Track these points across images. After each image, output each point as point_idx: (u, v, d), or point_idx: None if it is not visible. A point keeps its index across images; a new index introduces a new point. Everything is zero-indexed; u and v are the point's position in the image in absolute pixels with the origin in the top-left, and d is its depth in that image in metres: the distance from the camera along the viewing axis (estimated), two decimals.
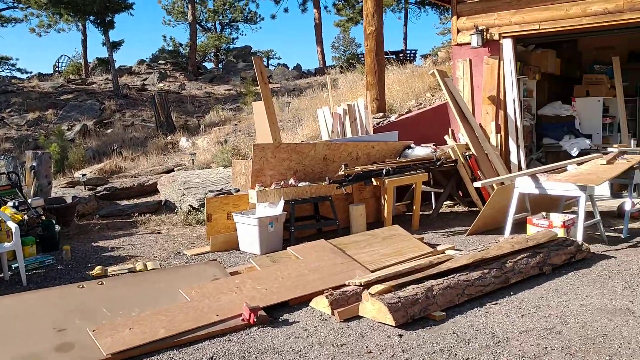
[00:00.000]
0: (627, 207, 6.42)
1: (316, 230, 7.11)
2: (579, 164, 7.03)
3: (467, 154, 8.05)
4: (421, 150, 7.90)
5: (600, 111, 10.02)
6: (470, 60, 9.07)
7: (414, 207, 7.35)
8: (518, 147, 8.69)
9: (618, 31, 8.23)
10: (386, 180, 7.01)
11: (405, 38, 32.35)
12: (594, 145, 9.35)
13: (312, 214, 7.21)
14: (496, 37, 8.79)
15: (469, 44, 8.91)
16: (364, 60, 13.49)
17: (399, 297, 4.00)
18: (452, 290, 4.27)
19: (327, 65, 25.54)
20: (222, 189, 8.54)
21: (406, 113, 9.70)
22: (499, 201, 6.72)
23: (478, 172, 7.96)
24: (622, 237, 6.29)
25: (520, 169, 8.61)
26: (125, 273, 5.64)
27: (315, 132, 10.17)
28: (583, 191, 5.77)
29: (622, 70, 11.75)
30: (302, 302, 4.52)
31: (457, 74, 9.20)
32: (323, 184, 6.80)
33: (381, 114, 9.54)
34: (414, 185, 7.47)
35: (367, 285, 4.37)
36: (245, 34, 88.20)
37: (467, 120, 8.37)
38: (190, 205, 8.40)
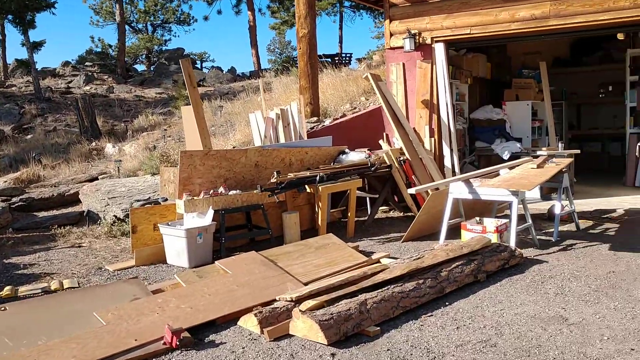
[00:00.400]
0: (557, 210, 6.50)
1: (248, 240, 6.83)
2: (511, 168, 7.08)
3: (401, 158, 7.98)
4: (355, 156, 7.76)
5: (529, 115, 10.24)
6: (403, 64, 9.03)
7: (349, 214, 7.19)
8: (452, 151, 8.72)
9: (545, 37, 8.40)
10: (320, 187, 6.81)
11: (340, 42, 32.38)
12: (524, 148, 9.52)
13: (244, 223, 6.92)
14: (428, 41, 8.79)
15: (402, 47, 8.87)
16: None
17: (331, 314, 3.79)
18: (386, 303, 4.10)
19: (262, 68, 25.22)
20: (149, 198, 8.11)
21: (341, 117, 9.57)
22: (434, 206, 6.66)
23: (412, 176, 7.91)
24: (553, 240, 6.36)
25: (454, 172, 8.64)
26: (38, 293, 5.17)
27: (248, 138, 9.88)
28: (515, 196, 5.77)
29: (549, 75, 12.12)
30: (231, 319, 4.24)
31: (391, 78, 9.14)
32: (255, 192, 6.53)
33: (315, 119, 9.36)
34: (348, 192, 7.32)
35: (299, 300, 4.14)
36: (179, 36, 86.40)
37: (401, 124, 8.31)
38: (115, 216, 7.92)
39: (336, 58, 20.91)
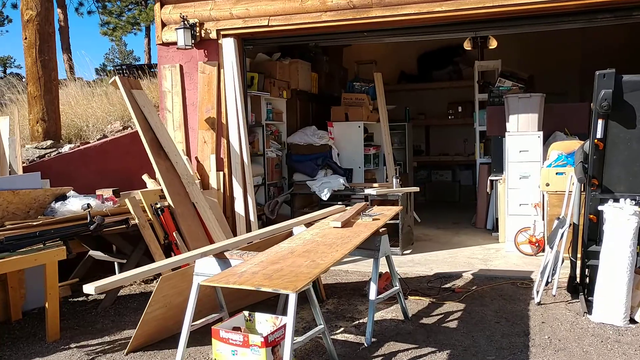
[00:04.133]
0: (372, 295, 4.10)
1: None
2: (309, 223, 4.63)
3: (158, 205, 5.27)
4: (77, 204, 4.92)
5: (361, 139, 8.03)
6: (181, 67, 6.38)
7: (46, 305, 4.31)
8: (245, 191, 6.16)
9: (368, 34, 6.16)
10: None
11: (149, 49, 25.73)
12: (352, 185, 7.24)
13: None
14: (214, 34, 6.22)
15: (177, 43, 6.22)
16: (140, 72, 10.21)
17: None
18: None
19: (79, 76, 21.28)
20: None
21: (98, 140, 6.66)
22: (177, 293, 4.01)
23: (174, 233, 5.21)
24: (365, 344, 3.96)
25: (248, 222, 6.08)
26: None
27: None
28: (291, 290, 3.25)
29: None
30: None
31: (164, 86, 6.44)
32: None
33: (50, 142, 6.37)
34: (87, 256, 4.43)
35: None
36: None
37: (165, 153, 5.60)
38: None
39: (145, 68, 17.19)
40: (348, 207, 5.02)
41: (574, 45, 10.45)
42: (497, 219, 7.50)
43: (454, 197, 11.34)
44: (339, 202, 6.89)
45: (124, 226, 4.84)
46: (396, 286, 4.38)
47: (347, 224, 4.27)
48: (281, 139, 8.09)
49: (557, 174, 5.89)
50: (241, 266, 3.28)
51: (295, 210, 7.13)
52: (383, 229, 4.27)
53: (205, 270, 3.74)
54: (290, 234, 4.58)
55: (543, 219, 6.33)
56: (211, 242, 5.42)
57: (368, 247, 4.20)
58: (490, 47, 8.85)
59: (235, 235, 5.95)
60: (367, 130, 8.41)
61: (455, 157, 11.32)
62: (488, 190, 7.63)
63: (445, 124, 11.49)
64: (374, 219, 4.44)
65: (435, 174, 11.69)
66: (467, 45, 8.85)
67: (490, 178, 7.52)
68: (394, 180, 6.77)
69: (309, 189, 7.08)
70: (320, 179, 7.00)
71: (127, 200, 5.00)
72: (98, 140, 6.70)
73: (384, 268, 4.52)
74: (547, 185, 5.92)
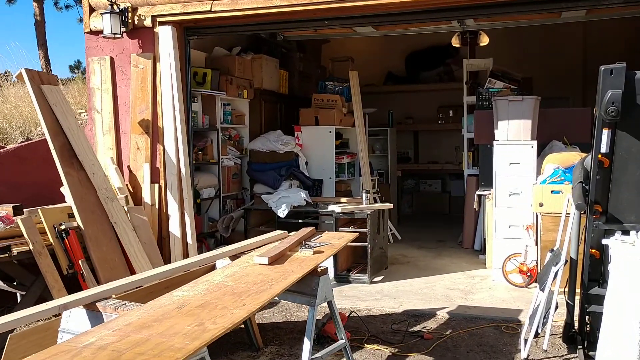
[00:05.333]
0: (305, 355, 3.12)
1: None
2: (234, 256, 3.67)
3: (64, 227, 4.32)
4: None
5: (333, 145, 7.06)
6: (112, 60, 5.43)
7: None
8: (182, 207, 5.20)
9: (330, 22, 5.19)
10: None
11: None
12: (314, 199, 6.28)
13: None
14: (148, 21, 5.27)
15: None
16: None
17: None
18: None
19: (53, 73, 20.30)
20: None
21: (14, 145, 5.72)
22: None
23: (81, 262, 4.25)
24: None
25: (185, 245, 5.12)
26: None
27: None
28: None
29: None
30: None
31: (93, 82, 5.49)
32: None
33: None
34: None
35: None
36: None
37: (80, 161, 4.64)
38: None
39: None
40: (293, 233, 4.06)
41: (576, 44, 9.51)
42: (485, 240, 6.56)
43: (443, 208, 10.39)
44: (300, 220, 5.97)
45: (5, 255, 3.88)
46: (341, 339, 3.42)
47: (276, 259, 3.31)
48: (243, 144, 7.14)
49: (552, 192, 4.93)
50: (94, 332, 2.32)
51: (250, 228, 6.17)
52: (323, 267, 3.31)
53: (73, 326, 2.78)
54: (213, 267, 3.64)
55: (536, 244, 5.37)
56: (132, 272, 4.47)
57: (302, 291, 3.24)
58: (481, 44, 7.89)
59: (169, 261, 5.00)
60: (341, 136, 7.44)
61: (445, 166, 10.36)
62: (475, 206, 6.67)
63: (435, 129, 10.54)
64: (315, 252, 3.48)
65: (423, 184, 10.74)
66: (455, 42, 7.89)
67: (477, 193, 6.56)
68: (364, 195, 5.81)
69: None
70: (279, 193, 6.04)
71: (19, 221, 4.05)
72: (24, 141, 5.76)
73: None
74: (541, 205, 4.96)
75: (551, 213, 4.88)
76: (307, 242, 3.69)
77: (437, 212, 10.22)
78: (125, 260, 4.52)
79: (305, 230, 3.98)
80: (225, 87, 6.52)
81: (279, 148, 6.77)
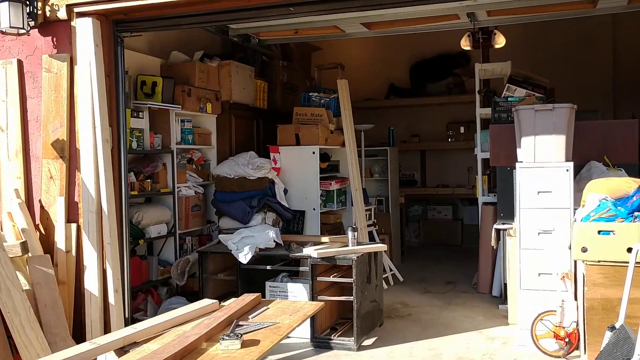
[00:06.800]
0: None
1: None
2: (122, 350, 2.40)
3: None
4: None
5: (317, 169, 5.80)
6: (20, 63, 4.24)
7: None
8: (103, 256, 3.93)
9: (294, 8, 3.94)
10: None
11: None
12: (289, 238, 4.97)
13: None
14: (63, 12, 4.07)
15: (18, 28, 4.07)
16: None
17: None
18: None
19: None
20: None
21: None
22: None
23: None
24: None
25: (106, 306, 3.85)
26: None
27: None
28: None
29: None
30: None
31: None
32: None
33: None
34: None
35: None
36: None
37: None
38: None
39: None
40: (230, 301, 2.79)
41: (605, 48, 8.23)
42: (505, 284, 5.25)
43: (454, 239, 9.06)
44: (268, 267, 4.69)
45: None
46: None
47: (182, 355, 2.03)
48: (209, 169, 5.91)
49: (600, 232, 3.60)
50: None
51: (206, 276, 4.86)
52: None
53: None
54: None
55: (576, 299, 4.05)
56: (15, 350, 3.21)
57: None
58: (496, 46, 6.62)
59: (83, 329, 3.73)
60: (328, 158, 6.19)
61: (456, 190, 9.06)
62: (493, 243, 5.34)
63: (445, 148, 9.30)
64: (245, 342, 2.20)
65: (432, 210, 9.41)
66: (465, 44, 6.63)
67: (495, 226, 5.24)
68: (350, 233, 4.52)
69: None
70: (241, 232, 4.75)
71: None
72: None
73: None
74: (584, 250, 3.63)
75: (599, 262, 3.55)
76: (240, 323, 2.41)
77: (448, 244, 8.90)
78: (8, 336, 3.26)
79: (246, 300, 2.72)
80: (182, 99, 5.31)
81: (249, 173, 5.52)
